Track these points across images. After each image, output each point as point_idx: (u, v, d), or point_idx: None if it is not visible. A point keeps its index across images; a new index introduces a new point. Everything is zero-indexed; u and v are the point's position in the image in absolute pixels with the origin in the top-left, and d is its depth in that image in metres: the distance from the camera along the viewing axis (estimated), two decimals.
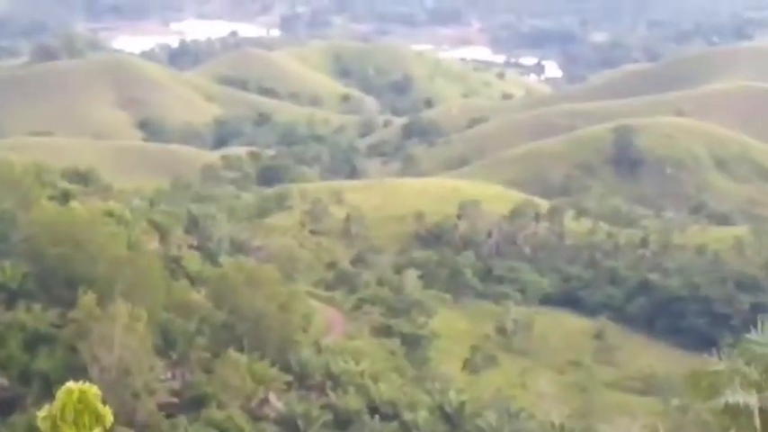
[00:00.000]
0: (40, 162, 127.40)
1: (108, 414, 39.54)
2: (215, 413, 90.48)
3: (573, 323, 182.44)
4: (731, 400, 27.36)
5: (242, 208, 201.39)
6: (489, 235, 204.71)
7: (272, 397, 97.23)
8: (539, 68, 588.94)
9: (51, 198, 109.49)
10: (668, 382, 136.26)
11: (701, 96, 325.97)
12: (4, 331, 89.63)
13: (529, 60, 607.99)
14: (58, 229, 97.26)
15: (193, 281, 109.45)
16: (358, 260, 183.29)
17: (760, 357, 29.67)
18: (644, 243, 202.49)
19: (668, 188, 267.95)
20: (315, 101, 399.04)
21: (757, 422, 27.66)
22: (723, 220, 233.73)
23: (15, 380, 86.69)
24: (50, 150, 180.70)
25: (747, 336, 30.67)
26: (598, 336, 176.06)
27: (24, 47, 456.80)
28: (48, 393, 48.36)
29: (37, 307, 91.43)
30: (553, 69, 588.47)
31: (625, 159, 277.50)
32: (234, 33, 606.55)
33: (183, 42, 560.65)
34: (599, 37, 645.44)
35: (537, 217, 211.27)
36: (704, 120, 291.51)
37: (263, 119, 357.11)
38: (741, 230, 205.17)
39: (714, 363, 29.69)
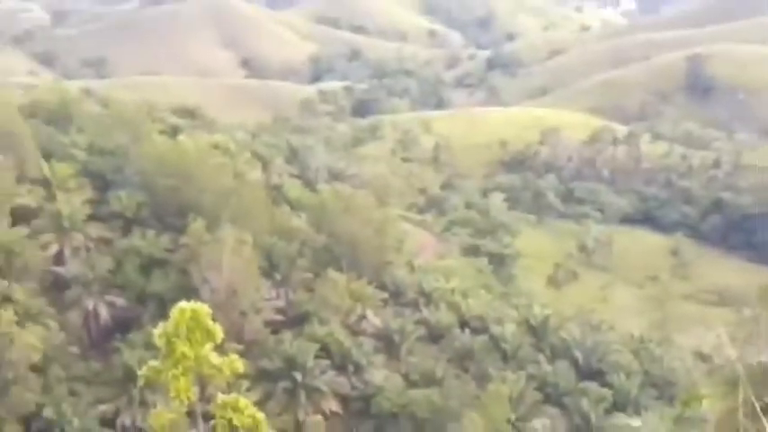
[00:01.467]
0: (151, 100, 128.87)
1: (218, 331, 40.79)
2: (317, 329, 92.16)
3: (650, 240, 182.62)
4: None
5: (337, 138, 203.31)
6: (570, 159, 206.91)
7: (370, 313, 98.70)
8: (614, 1, 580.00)
9: (161, 133, 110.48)
10: (741, 293, 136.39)
11: None
12: (121, 256, 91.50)
13: None
14: (168, 162, 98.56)
15: (294, 207, 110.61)
16: (447, 185, 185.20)
17: None
18: (716, 164, 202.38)
19: (740, 112, 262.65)
20: (403, 37, 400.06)
21: None
22: None
23: (133, 301, 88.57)
24: (159, 89, 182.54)
25: None
26: (674, 252, 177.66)
27: None
28: (162, 313, 49.52)
29: (151, 233, 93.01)
30: (628, 1, 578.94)
31: (698, 86, 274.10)
32: None
33: None
34: None
35: (615, 141, 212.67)
36: None
37: (355, 55, 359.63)
38: None
39: None
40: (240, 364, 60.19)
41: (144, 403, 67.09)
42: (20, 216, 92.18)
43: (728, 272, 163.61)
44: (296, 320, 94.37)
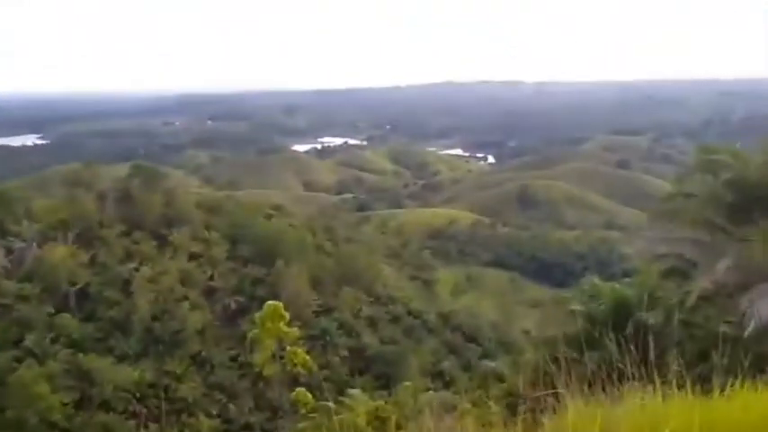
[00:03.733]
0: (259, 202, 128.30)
1: (287, 316, 48.91)
2: (337, 315, 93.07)
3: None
4: None
5: (350, 222, 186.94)
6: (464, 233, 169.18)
7: (365, 307, 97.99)
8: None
9: (264, 217, 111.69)
10: None
11: None
12: (242, 277, 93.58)
13: None
14: (266, 232, 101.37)
15: (327, 254, 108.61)
16: (403, 245, 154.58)
17: None
18: None
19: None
20: (383, 173, 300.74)
21: None
22: None
23: (248, 299, 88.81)
24: (264, 197, 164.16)
25: None
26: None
27: None
28: (261, 306, 55.32)
29: (257, 268, 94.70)
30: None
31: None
32: None
33: None
34: None
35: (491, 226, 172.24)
36: None
37: (361, 182, 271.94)
38: None
39: None
40: (297, 332, 67.96)
41: (251, 351, 67.03)
42: (192, 257, 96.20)
43: None
44: (327, 311, 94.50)
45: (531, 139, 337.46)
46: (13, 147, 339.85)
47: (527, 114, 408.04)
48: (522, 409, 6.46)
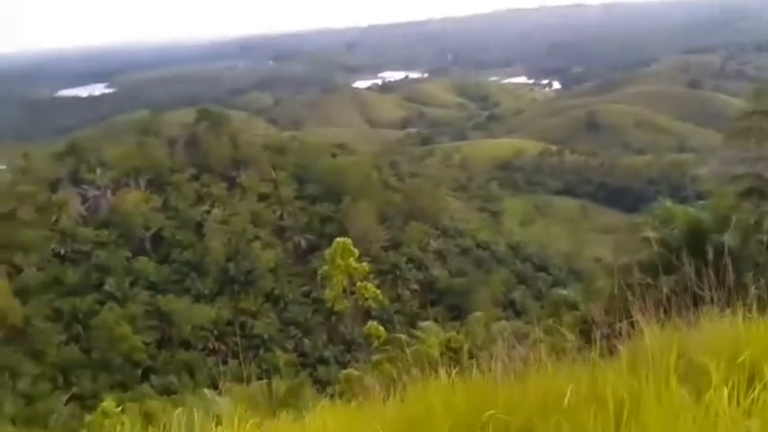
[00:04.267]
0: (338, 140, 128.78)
1: (356, 252, 49.66)
2: (405, 249, 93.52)
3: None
4: None
5: (416, 155, 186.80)
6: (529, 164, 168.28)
7: (432, 241, 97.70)
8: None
9: (331, 156, 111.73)
10: None
11: None
12: (311, 216, 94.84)
13: None
14: (332, 170, 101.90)
15: (393, 190, 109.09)
16: (468, 178, 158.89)
17: None
18: None
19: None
20: (444, 106, 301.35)
21: None
22: None
23: (317, 237, 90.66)
24: (328, 135, 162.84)
25: None
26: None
27: None
28: (331, 243, 55.94)
29: (326, 204, 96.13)
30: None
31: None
32: None
33: None
34: None
35: (556, 153, 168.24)
36: None
37: (423, 116, 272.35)
38: None
39: None
40: (367, 267, 68.38)
41: (323, 287, 67.97)
42: (261, 197, 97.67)
43: None
44: (395, 246, 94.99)
45: (598, 62, 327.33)
46: (82, 97, 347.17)
47: (593, 37, 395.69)
48: (596, 335, 6.37)
